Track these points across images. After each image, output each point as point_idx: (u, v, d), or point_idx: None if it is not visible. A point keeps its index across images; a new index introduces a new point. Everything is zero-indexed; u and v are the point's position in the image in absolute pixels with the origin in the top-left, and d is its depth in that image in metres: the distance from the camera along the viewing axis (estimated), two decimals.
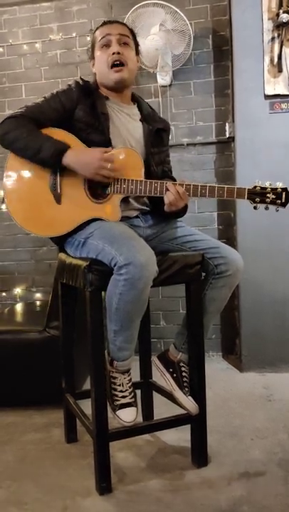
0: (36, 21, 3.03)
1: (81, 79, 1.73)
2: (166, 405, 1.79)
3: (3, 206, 3.11)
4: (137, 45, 1.78)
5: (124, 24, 1.78)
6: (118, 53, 1.67)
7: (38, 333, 2.18)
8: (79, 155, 1.57)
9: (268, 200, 1.58)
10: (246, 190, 1.59)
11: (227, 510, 1.41)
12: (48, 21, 3.02)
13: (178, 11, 2.64)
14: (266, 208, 1.60)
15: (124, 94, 1.77)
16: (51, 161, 1.57)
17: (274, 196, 1.57)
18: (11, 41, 3.06)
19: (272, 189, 1.58)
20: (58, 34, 3.02)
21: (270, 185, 1.59)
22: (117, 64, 1.68)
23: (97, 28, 1.74)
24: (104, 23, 1.74)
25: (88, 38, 2.96)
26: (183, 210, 1.67)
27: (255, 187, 1.59)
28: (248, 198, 1.58)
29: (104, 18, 2.91)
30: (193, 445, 1.69)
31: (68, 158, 1.56)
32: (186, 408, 1.63)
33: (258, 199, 1.58)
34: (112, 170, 1.56)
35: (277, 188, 1.58)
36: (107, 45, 1.69)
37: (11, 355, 2.19)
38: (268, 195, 1.58)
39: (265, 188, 1.58)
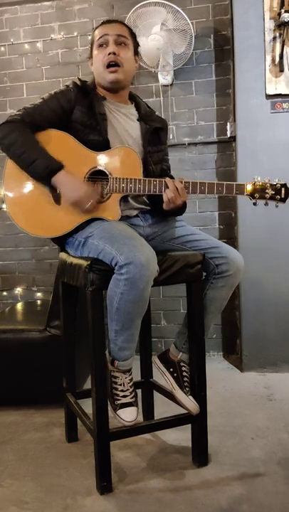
0: (37, 20, 3.03)
1: (79, 79, 1.73)
2: (166, 405, 1.79)
3: (4, 206, 3.12)
4: (136, 45, 1.78)
5: (124, 24, 1.78)
6: (114, 54, 1.67)
7: (38, 332, 2.18)
8: (67, 179, 1.59)
9: (267, 195, 1.59)
10: (245, 186, 1.59)
11: (227, 510, 1.41)
12: (49, 20, 3.02)
13: (179, 10, 2.64)
14: (266, 204, 1.61)
15: (121, 95, 1.78)
16: (41, 177, 1.59)
17: (273, 192, 1.59)
18: (12, 40, 3.06)
19: (271, 185, 1.59)
20: (59, 33, 3.02)
21: (269, 181, 1.60)
22: (113, 64, 1.68)
23: (96, 27, 1.75)
24: (104, 23, 1.74)
25: (89, 38, 2.95)
26: (181, 208, 1.67)
27: (254, 183, 1.59)
28: (247, 194, 1.59)
29: (105, 18, 2.92)
30: (193, 445, 1.69)
31: (57, 179, 1.58)
32: (186, 408, 1.63)
33: (257, 195, 1.59)
34: (88, 210, 1.59)
35: (276, 184, 1.59)
36: (104, 44, 1.70)
37: (12, 355, 2.19)
38: (267, 190, 1.59)
39: (264, 184, 1.59)
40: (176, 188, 1.58)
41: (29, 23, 3.04)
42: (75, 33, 3.00)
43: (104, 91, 1.75)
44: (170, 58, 2.76)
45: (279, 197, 1.59)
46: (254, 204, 1.61)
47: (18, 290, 3.16)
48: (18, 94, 3.08)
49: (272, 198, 1.59)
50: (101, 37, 1.70)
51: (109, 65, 1.68)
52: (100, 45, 1.71)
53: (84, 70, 2.97)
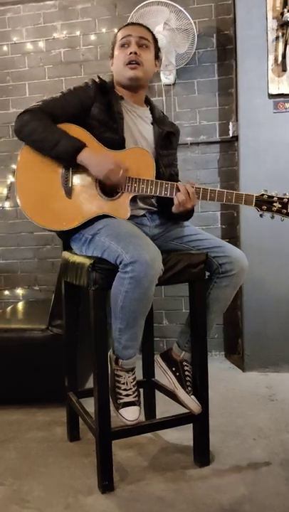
0: (40, 20, 3.03)
1: (98, 77, 1.74)
2: (168, 404, 1.79)
3: (7, 204, 3.13)
4: (157, 50, 1.80)
5: (148, 28, 1.80)
6: (135, 53, 1.69)
7: (41, 331, 2.18)
8: (94, 154, 1.59)
9: (274, 208, 1.60)
10: (254, 198, 1.60)
11: (229, 510, 1.41)
12: (52, 20, 3.02)
13: (182, 9, 2.64)
14: (272, 217, 1.62)
15: (138, 95, 1.79)
16: (67, 156, 1.59)
17: (280, 205, 1.59)
18: (14, 39, 3.06)
19: (278, 198, 1.60)
20: (61, 32, 3.02)
21: (277, 194, 1.61)
22: (133, 62, 1.69)
23: (120, 29, 1.77)
24: (128, 25, 1.77)
25: (92, 37, 2.96)
26: (190, 212, 1.69)
27: (262, 195, 1.60)
28: (255, 205, 1.61)
29: (108, 17, 2.92)
30: (195, 444, 1.69)
31: (83, 156, 1.58)
32: (188, 407, 1.63)
33: (264, 207, 1.60)
34: (123, 177, 1.58)
35: (283, 198, 1.60)
36: (126, 45, 1.72)
37: (14, 354, 2.20)
38: (274, 204, 1.60)
39: (272, 197, 1.60)
40: (188, 192, 1.59)
41: (32, 22, 3.04)
42: (78, 32, 3.00)
43: (123, 90, 1.76)
44: (173, 57, 2.76)
45: (285, 211, 1.59)
46: (260, 216, 1.62)
47: (20, 289, 3.16)
48: (21, 93, 3.08)
49: (278, 211, 1.60)
50: (124, 37, 1.72)
51: (129, 63, 1.69)
52: (122, 45, 1.72)
53: (86, 69, 2.97)
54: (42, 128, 1.59)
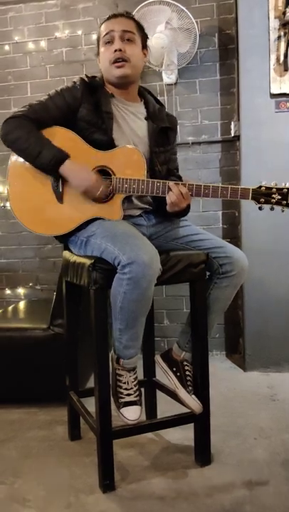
0: (42, 19, 3.03)
1: (86, 76, 1.71)
2: (169, 404, 1.79)
3: (8, 204, 3.13)
4: (144, 39, 1.76)
5: (131, 18, 1.75)
6: (120, 50, 1.65)
7: (42, 330, 2.18)
8: (75, 168, 1.58)
9: (273, 200, 1.56)
10: (250, 191, 1.56)
11: (230, 510, 1.41)
12: (54, 19, 3.02)
13: (184, 9, 2.64)
14: (271, 209, 1.58)
15: (130, 91, 1.76)
16: (48, 168, 1.59)
17: (280, 197, 1.55)
18: (16, 39, 3.06)
19: (277, 189, 1.56)
20: (63, 32, 3.01)
21: (276, 185, 1.57)
22: (119, 60, 1.66)
23: (102, 23, 1.72)
24: (109, 18, 1.71)
25: (94, 36, 2.96)
26: (185, 210, 1.66)
27: (260, 187, 1.57)
28: (252, 199, 1.56)
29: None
30: (196, 444, 1.69)
31: (64, 168, 1.58)
32: (189, 407, 1.63)
33: (262, 199, 1.56)
34: (102, 193, 1.58)
35: (283, 189, 1.56)
36: (110, 41, 1.68)
37: (16, 353, 2.20)
38: (273, 195, 1.56)
39: (271, 189, 1.56)
40: (181, 193, 1.57)
41: (33, 22, 3.04)
42: (80, 32, 2.99)
43: (113, 88, 1.73)
44: (174, 57, 2.75)
45: (285, 202, 1.55)
46: (259, 209, 1.57)
47: (22, 288, 3.16)
48: (22, 92, 3.08)
49: (278, 202, 1.55)
50: (107, 34, 1.68)
51: (115, 61, 1.66)
52: (107, 42, 1.69)
53: (88, 68, 2.97)
54: (25, 137, 1.58)
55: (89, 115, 1.64)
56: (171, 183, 1.58)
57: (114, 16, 1.73)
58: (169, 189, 1.58)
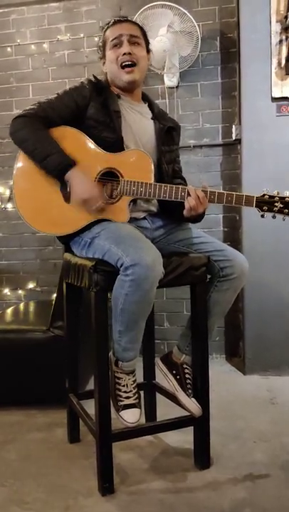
0: (44, 21, 3.04)
1: (94, 76, 1.74)
2: (169, 407, 1.79)
3: (9, 205, 3.13)
4: (147, 43, 1.79)
5: (135, 23, 1.78)
6: (129, 54, 1.68)
7: (42, 332, 2.18)
8: (79, 178, 1.58)
9: (275, 208, 1.57)
10: (255, 198, 1.58)
11: None
12: (56, 21, 3.03)
13: (186, 12, 2.65)
14: (273, 217, 1.59)
15: (135, 93, 1.79)
16: (54, 173, 1.59)
17: (282, 205, 1.57)
18: (18, 41, 3.07)
19: (280, 198, 1.57)
20: (65, 34, 3.02)
21: (278, 193, 1.58)
22: (129, 64, 1.68)
23: (107, 27, 1.74)
24: (115, 22, 1.73)
25: (96, 39, 2.96)
26: (200, 216, 1.66)
27: (263, 195, 1.58)
28: (256, 206, 1.58)
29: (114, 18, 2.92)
30: (196, 447, 1.69)
31: (69, 176, 1.58)
32: (189, 410, 1.63)
33: (265, 207, 1.57)
34: (97, 208, 1.58)
35: (285, 197, 1.57)
36: (118, 45, 1.70)
37: (15, 355, 2.20)
38: (275, 203, 1.57)
39: (274, 197, 1.57)
40: (198, 197, 1.57)
41: (36, 24, 3.05)
42: (82, 35, 3.00)
43: (119, 90, 1.76)
44: (176, 60, 2.76)
45: (287, 210, 1.56)
46: (262, 216, 1.59)
47: (22, 290, 3.17)
48: (24, 94, 3.09)
49: (280, 211, 1.57)
50: (115, 38, 1.70)
51: (125, 66, 1.68)
52: (114, 45, 1.70)
53: (90, 71, 2.98)
54: (34, 138, 1.59)
55: (97, 114, 1.65)
56: (190, 187, 1.58)
57: (120, 21, 1.75)
58: (188, 194, 1.58)
